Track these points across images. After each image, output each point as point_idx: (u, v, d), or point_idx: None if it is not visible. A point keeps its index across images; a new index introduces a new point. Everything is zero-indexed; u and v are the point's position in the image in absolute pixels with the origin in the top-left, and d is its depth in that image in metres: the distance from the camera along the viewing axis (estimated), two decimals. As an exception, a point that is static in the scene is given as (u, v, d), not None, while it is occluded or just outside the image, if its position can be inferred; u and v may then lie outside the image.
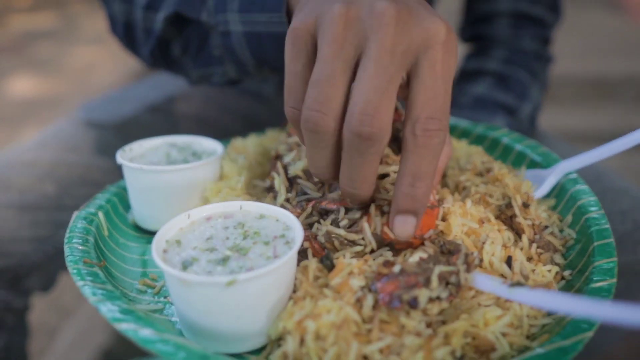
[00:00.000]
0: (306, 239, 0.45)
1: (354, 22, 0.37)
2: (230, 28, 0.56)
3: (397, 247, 0.44)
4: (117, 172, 0.77)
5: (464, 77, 0.91)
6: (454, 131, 0.70)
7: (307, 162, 0.43)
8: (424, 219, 0.44)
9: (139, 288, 0.48)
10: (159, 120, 0.88)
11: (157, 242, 0.41)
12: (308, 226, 0.47)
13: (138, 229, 0.59)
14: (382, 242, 0.44)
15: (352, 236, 0.44)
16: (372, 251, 0.45)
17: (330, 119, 0.37)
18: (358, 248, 0.44)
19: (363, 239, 0.44)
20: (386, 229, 0.43)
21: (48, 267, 0.75)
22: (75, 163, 0.77)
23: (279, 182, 0.52)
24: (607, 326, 0.71)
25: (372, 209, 0.45)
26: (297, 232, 0.41)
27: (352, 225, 0.45)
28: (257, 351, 0.40)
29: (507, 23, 0.90)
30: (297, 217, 0.47)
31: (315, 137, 0.39)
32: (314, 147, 0.40)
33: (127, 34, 0.68)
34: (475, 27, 0.94)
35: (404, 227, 0.40)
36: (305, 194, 0.50)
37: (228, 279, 0.36)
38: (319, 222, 0.47)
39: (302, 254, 0.45)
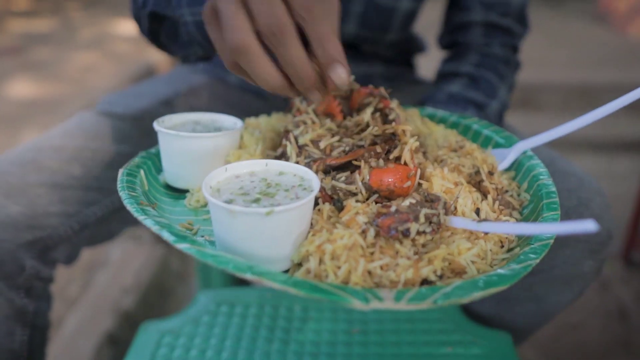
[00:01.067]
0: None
1: None
2: (186, 19, 0.72)
3: (383, 195, 0.57)
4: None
5: (441, 77, 1.03)
6: (433, 119, 0.83)
7: (260, 84, 0.54)
8: (401, 172, 0.57)
9: (179, 231, 0.59)
10: (171, 113, 0.98)
11: (205, 185, 0.52)
12: None
13: (169, 188, 0.69)
14: (371, 190, 0.57)
15: (350, 187, 0.56)
16: (366, 199, 0.57)
17: (247, 36, 0.50)
18: (357, 198, 0.56)
19: (356, 188, 0.56)
20: (373, 177, 0.56)
21: (73, 240, 0.83)
22: (97, 149, 0.86)
23: (291, 149, 0.64)
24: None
25: (362, 164, 0.57)
26: (314, 181, 0.53)
27: (348, 179, 0.57)
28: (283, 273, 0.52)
29: (479, 32, 1.03)
30: None
31: (247, 57, 0.51)
32: (253, 65, 0.52)
33: (139, 27, 0.85)
34: (452, 35, 1.07)
35: (338, 76, 0.52)
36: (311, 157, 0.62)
37: (267, 210, 0.47)
38: (323, 179, 0.59)
39: (315, 202, 0.57)
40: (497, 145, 0.74)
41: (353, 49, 1.05)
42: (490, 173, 0.64)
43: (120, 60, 4.11)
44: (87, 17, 5.90)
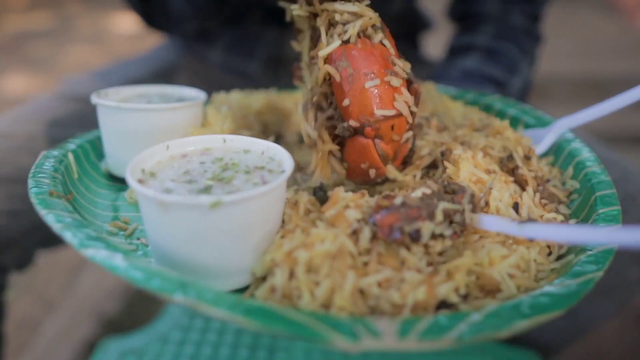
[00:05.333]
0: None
1: None
2: None
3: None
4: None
5: (453, 52, 0.89)
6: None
7: None
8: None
9: (110, 230, 0.44)
10: None
11: (134, 166, 0.37)
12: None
13: (111, 177, 0.54)
14: None
15: None
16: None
17: None
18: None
19: None
20: None
21: (24, 242, 0.71)
22: (54, 137, 0.73)
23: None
24: (598, 304, 0.69)
25: None
26: (286, 162, 0.38)
27: None
28: (240, 292, 0.37)
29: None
30: None
31: None
32: None
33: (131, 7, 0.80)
34: (464, 5, 0.93)
35: None
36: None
37: (211, 200, 0.32)
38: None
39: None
40: (527, 127, 0.59)
41: None
42: (527, 157, 0.48)
43: (118, 56, 4.01)
44: (85, 12, 5.85)
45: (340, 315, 0.31)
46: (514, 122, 0.60)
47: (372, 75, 0.42)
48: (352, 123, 0.42)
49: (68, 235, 0.34)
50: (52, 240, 0.75)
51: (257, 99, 0.63)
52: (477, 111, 0.60)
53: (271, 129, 0.60)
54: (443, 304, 0.33)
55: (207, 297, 0.30)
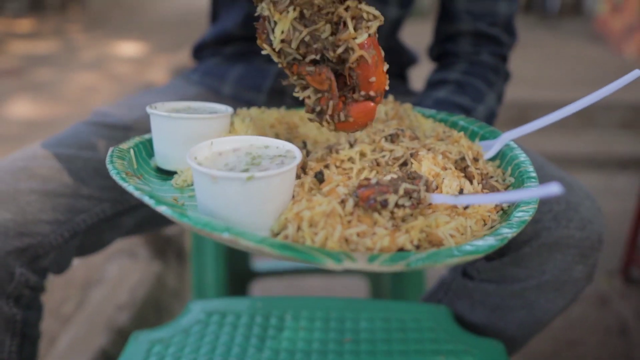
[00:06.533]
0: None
1: None
2: None
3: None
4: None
5: (429, 86, 1.05)
6: (422, 116, 0.84)
7: None
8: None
9: (160, 197, 0.59)
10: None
11: (190, 155, 0.53)
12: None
13: (158, 170, 0.70)
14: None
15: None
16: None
17: None
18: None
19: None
20: None
21: (63, 249, 0.83)
22: (89, 158, 0.86)
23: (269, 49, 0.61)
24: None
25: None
26: (297, 152, 0.54)
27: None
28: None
29: (468, 41, 1.05)
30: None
31: None
32: None
33: None
34: (442, 46, 1.09)
35: None
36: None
37: (248, 175, 0.48)
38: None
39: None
40: (483, 139, 0.75)
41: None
42: (475, 159, 0.65)
43: (120, 81, 4.20)
44: (88, 39, 6.06)
45: (330, 250, 0.47)
46: (474, 135, 0.77)
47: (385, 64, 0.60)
48: (372, 93, 0.59)
49: (146, 198, 0.50)
50: (87, 248, 0.89)
51: (270, 114, 0.79)
52: (443, 126, 0.76)
53: (281, 138, 0.77)
54: (401, 250, 0.49)
55: (244, 235, 0.45)
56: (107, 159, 0.61)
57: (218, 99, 1.07)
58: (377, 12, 0.58)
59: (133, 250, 1.89)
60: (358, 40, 0.57)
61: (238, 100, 1.08)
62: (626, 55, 4.97)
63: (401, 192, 0.51)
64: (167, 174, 0.70)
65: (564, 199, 0.78)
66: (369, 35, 0.57)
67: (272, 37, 0.58)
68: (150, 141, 0.73)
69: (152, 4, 8.69)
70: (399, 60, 1.19)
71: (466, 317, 0.88)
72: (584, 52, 5.25)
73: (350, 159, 0.63)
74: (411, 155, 0.63)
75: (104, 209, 0.86)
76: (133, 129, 0.94)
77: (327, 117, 0.60)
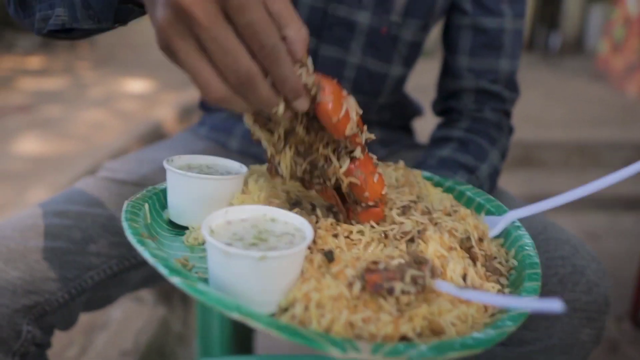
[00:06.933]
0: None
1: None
2: None
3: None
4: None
5: (433, 143, 1.07)
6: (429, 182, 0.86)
7: (261, 107, 0.55)
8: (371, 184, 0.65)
9: (174, 266, 0.61)
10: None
11: (205, 225, 0.55)
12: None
13: (171, 224, 0.72)
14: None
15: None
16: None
17: (218, 89, 0.51)
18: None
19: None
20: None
21: (70, 306, 0.84)
22: (98, 214, 0.88)
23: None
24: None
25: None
26: (307, 231, 0.56)
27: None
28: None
29: (471, 98, 1.07)
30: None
31: (225, 104, 0.53)
32: (233, 108, 0.53)
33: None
34: (445, 102, 1.12)
35: (300, 106, 0.57)
36: None
37: (260, 254, 0.50)
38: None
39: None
40: (489, 213, 0.76)
41: None
42: (481, 240, 0.66)
43: (128, 118, 4.27)
44: (97, 76, 6.19)
45: (336, 337, 0.48)
46: (480, 208, 0.78)
47: (375, 174, 0.65)
48: (371, 203, 0.65)
49: (161, 268, 0.52)
50: (94, 304, 0.90)
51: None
52: (451, 198, 0.78)
53: (292, 196, 0.78)
54: (404, 338, 0.51)
55: (253, 316, 0.47)
56: (123, 216, 0.63)
57: (225, 153, 1.10)
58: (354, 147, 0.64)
59: (138, 294, 1.88)
60: (342, 169, 0.63)
61: (245, 155, 1.11)
62: (628, 94, 5.00)
63: (407, 278, 0.53)
64: (178, 228, 0.71)
65: (569, 262, 0.79)
66: (351, 159, 0.64)
67: (279, 171, 0.68)
68: (162, 192, 0.75)
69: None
70: (404, 113, 1.21)
71: None
72: (586, 91, 5.28)
73: (360, 231, 0.64)
74: (418, 232, 0.65)
75: (112, 265, 0.88)
76: (142, 185, 0.95)
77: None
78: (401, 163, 0.84)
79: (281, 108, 0.56)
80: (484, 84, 1.06)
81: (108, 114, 4.39)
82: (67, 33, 0.80)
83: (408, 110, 1.22)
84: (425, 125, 1.46)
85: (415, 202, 0.72)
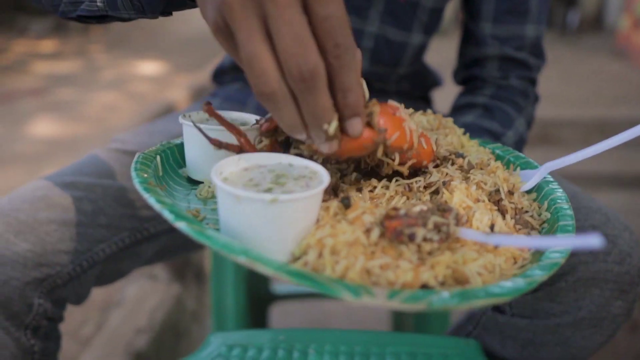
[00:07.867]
0: None
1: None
2: None
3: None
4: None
5: (456, 110, 1.03)
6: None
7: (281, 125, 0.50)
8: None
9: (180, 212, 0.58)
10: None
11: (215, 171, 0.52)
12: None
13: (188, 180, 0.69)
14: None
15: None
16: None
17: (273, 81, 0.45)
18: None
19: None
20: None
21: (82, 279, 0.82)
22: (109, 186, 0.85)
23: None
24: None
25: None
26: (324, 175, 0.52)
27: None
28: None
29: (495, 66, 1.02)
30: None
31: (271, 104, 0.47)
32: (277, 111, 0.48)
33: None
34: (467, 70, 1.07)
35: (354, 129, 0.51)
36: None
37: (270, 197, 0.47)
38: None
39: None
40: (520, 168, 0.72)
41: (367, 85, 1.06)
42: (511, 193, 0.62)
43: (141, 100, 4.32)
44: (110, 59, 6.24)
45: (350, 283, 0.45)
46: (508, 164, 0.74)
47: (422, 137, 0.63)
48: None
49: (166, 213, 0.49)
50: (105, 278, 0.88)
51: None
52: (488, 153, 0.73)
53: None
54: (425, 287, 0.47)
55: (261, 260, 0.44)
56: (132, 165, 0.61)
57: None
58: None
59: (152, 272, 1.89)
60: (396, 162, 0.59)
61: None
62: (649, 71, 4.80)
63: (430, 225, 0.49)
64: (197, 184, 0.69)
65: (601, 232, 0.75)
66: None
67: None
68: (179, 147, 0.72)
69: (173, 24, 8.79)
70: (423, 83, 1.17)
71: (496, 353, 0.84)
72: (606, 68, 5.10)
73: (384, 186, 0.61)
74: (444, 183, 0.61)
75: (123, 238, 0.86)
76: None
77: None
78: (429, 110, 0.81)
79: (333, 126, 0.49)
80: (509, 51, 1.00)
81: (121, 96, 4.43)
82: (98, 19, 0.75)
83: (427, 81, 1.17)
84: (444, 96, 1.40)
85: (458, 155, 0.67)
